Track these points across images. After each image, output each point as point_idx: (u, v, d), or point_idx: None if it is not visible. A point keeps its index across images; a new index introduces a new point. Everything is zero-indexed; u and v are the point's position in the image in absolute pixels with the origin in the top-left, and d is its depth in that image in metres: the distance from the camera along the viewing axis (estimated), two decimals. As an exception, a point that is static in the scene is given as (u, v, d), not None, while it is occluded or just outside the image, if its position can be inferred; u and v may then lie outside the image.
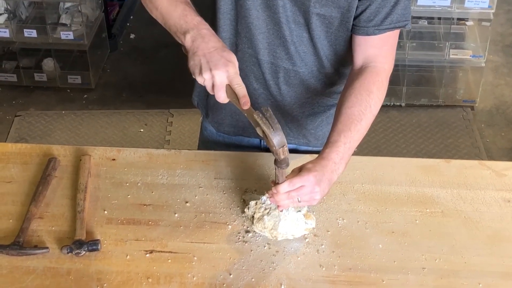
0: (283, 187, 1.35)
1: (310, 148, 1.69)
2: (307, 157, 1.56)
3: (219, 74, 1.32)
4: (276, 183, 1.37)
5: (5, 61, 3.40)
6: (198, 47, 1.34)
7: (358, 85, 1.45)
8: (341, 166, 1.40)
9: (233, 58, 1.35)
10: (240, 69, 1.55)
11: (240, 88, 1.33)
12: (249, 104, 1.33)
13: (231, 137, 1.74)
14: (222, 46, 1.36)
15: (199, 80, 1.34)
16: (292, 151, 1.65)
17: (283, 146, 1.32)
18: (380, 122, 3.20)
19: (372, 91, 1.45)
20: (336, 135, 1.41)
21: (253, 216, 1.42)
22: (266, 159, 1.61)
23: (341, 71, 1.58)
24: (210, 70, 1.32)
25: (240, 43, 1.54)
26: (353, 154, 1.75)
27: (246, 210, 1.42)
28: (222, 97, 1.34)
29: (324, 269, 1.38)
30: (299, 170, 1.37)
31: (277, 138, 1.31)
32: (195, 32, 1.36)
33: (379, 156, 1.68)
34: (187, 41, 1.36)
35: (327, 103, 1.64)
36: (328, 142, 1.41)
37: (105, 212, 1.49)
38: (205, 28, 1.38)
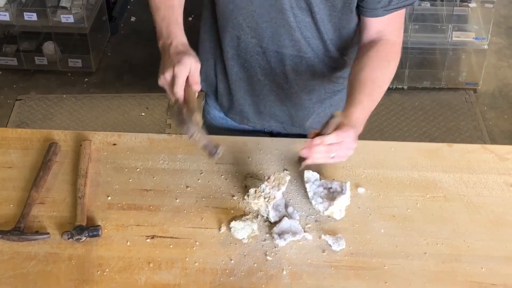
0: (330, 138, 1.33)
1: None
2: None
3: (179, 68, 1.36)
4: (317, 134, 1.35)
5: (6, 45, 3.38)
6: (164, 58, 1.41)
7: (375, 54, 1.47)
8: (362, 125, 1.42)
9: (192, 59, 1.38)
10: (245, 60, 1.55)
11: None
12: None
13: (234, 123, 1.73)
14: (187, 51, 1.41)
15: (159, 80, 1.39)
16: (297, 136, 1.65)
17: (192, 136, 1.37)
18: (383, 105, 3.19)
19: (390, 60, 1.48)
20: (361, 96, 1.42)
21: (252, 203, 1.42)
22: (268, 144, 1.61)
23: (346, 54, 1.57)
24: (173, 66, 1.37)
25: (242, 35, 1.52)
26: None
27: (246, 197, 1.42)
28: (179, 92, 1.38)
29: (325, 254, 1.37)
30: (335, 126, 1.35)
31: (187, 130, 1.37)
32: (167, 43, 1.42)
33: (381, 139, 1.67)
34: (160, 46, 1.43)
35: (334, 89, 1.64)
36: (353, 102, 1.42)
37: (106, 197, 1.48)
38: (178, 42, 1.42)
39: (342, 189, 1.44)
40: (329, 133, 1.34)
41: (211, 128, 1.76)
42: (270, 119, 1.68)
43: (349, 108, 1.41)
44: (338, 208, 1.43)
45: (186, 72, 1.37)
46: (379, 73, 1.46)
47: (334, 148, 1.34)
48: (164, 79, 1.39)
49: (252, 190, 1.42)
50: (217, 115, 1.74)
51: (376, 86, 1.45)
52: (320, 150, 1.34)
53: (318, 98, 1.62)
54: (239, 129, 1.73)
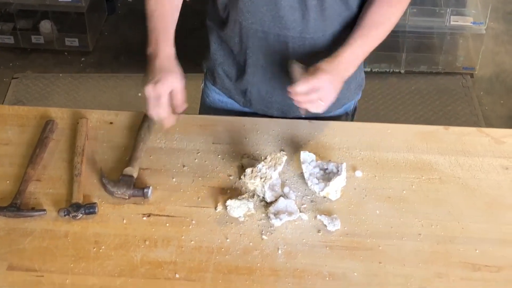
0: (300, 88, 1.35)
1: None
2: (320, 124, 1.55)
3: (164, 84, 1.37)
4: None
5: (2, 23, 3.36)
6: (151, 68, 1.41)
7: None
8: (353, 66, 1.44)
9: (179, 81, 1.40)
10: (247, 47, 1.54)
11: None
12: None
13: (234, 106, 1.72)
14: (171, 68, 1.41)
15: (145, 90, 1.38)
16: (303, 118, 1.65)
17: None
18: (379, 89, 3.19)
19: (392, 4, 1.48)
20: (353, 38, 1.45)
21: (248, 183, 1.42)
22: (265, 125, 1.61)
23: (348, 31, 1.56)
24: (155, 84, 1.37)
25: (243, 20, 1.51)
26: (351, 120, 1.74)
27: (242, 177, 1.42)
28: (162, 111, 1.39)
29: (321, 234, 1.38)
30: (314, 71, 1.38)
31: None
32: (153, 54, 1.42)
33: (378, 122, 1.67)
34: (148, 54, 1.44)
35: None
36: (344, 44, 1.44)
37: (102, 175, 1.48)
38: (164, 56, 1.42)
39: (338, 170, 1.44)
40: (298, 82, 1.37)
41: (210, 111, 1.76)
42: (273, 104, 1.66)
43: (340, 49, 1.43)
44: (334, 189, 1.43)
45: (168, 91, 1.38)
46: (380, 16, 1.46)
47: (313, 97, 1.36)
48: (148, 92, 1.38)
49: (248, 170, 1.43)
50: (216, 98, 1.73)
51: (373, 27, 1.46)
52: (301, 99, 1.37)
53: None
54: (240, 111, 1.73)
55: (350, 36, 1.45)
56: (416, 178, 1.50)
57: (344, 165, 1.44)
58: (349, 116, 1.75)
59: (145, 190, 1.42)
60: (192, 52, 1.72)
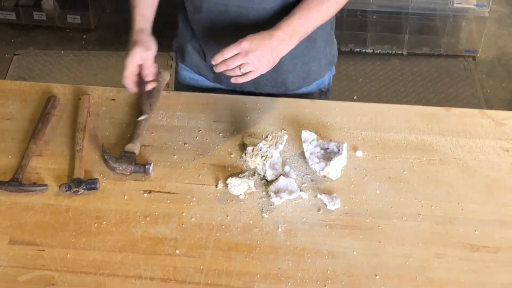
0: (216, 58, 1.38)
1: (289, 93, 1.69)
2: (322, 103, 1.56)
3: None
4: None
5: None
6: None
7: None
8: (293, 39, 1.42)
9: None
10: (211, 21, 1.53)
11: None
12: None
13: (206, 83, 1.71)
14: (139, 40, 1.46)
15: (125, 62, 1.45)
16: (272, 95, 1.65)
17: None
18: (381, 70, 3.18)
19: None
20: (293, 12, 1.43)
21: (249, 161, 1.42)
22: (267, 104, 1.61)
23: None
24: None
25: None
26: (353, 100, 1.74)
27: (243, 155, 1.42)
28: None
29: (321, 212, 1.38)
30: (239, 41, 1.39)
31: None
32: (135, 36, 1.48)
33: (380, 102, 1.67)
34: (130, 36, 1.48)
35: (308, 43, 1.60)
36: (284, 18, 1.43)
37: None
38: (137, 29, 1.48)
39: (339, 150, 1.44)
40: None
41: (182, 88, 1.75)
42: None
43: (278, 22, 1.41)
44: (335, 169, 1.43)
45: (133, 63, 1.44)
46: None
47: (229, 64, 1.37)
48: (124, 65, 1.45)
49: (249, 148, 1.42)
50: (187, 76, 1.72)
51: (317, 3, 1.43)
52: (220, 68, 1.39)
53: (289, 53, 1.57)
54: (212, 88, 1.72)
55: (291, 12, 1.43)
56: (417, 159, 1.50)
57: (345, 145, 1.44)
58: (323, 93, 1.74)
59: (146, 166, 1.43)
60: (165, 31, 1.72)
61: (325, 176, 1.45)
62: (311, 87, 1.70)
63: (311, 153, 1.46)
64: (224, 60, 1.37)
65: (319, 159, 1.45)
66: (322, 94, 1.73)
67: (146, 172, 1.43)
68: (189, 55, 1.67)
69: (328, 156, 1.45)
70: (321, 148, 1.47)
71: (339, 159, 1.42)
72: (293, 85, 1.65)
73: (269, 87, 1.64)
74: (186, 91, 1.68)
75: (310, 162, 1.45)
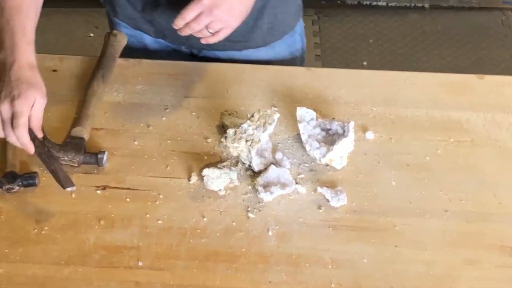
0: (177, 22, 1.36)
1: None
2: (321, 72, 1.56)
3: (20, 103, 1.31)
4: None
5: None
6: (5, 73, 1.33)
7: None
8: None
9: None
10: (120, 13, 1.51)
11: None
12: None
13: (147, 40, 1.72)
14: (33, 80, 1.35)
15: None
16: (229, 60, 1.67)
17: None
18: (397, 28, 3.18)
19: None
20: None
21: (231, 148, 1.43)
22: (251, 73, 1.61)
23: None
24: (12, 99, 1.31)
25: None
26: (362, 67, 1.74)
27: (223, 140, 1.43)
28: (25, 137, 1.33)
29: (322, 211, 1.39)
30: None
31: None
32: (9, 60, 1.34)
33: (394, 70, 1.67)
34: None
35: None
36: None
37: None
38: (23, 63, 1.35)
39: (344, 131, 1.45)
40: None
41: (124, 49, 1.74)
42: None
43: None
44: (339, 155, 1.44)
45: (30, 109, 1.32)
46: None
47: (194, 26, 1.36)
48: (4, 111, 1.31)
49: (231, 131, 1.43)
50: (124, 33, 1.71)
51: None
52: (186, 32, 1.37)
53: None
54: (155, 49, 1.73)
55: None
56: (442, 141, 1.50)
57: (351, 125, 1.45)
58: (296, 59, 1.77)
59: (99, 156, 1.43)
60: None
61: (327, 165, 1.45)
62: (284, 53, 1.72)
63: (309, 136, 1.46)
64: (187, 23, 1.37)
65: (319, 143, 1.45)
66: (296, 61, 1.75)
67: (98, 163, 1.43)
68: (121, 6, 1.67)
69: (330, 139, 1.46)
70: (322, 129, 1.47)
71: (345, 142, 1.43)
72: (257, 37, 1.66)
73: (226, 42, 1.64)
74: (128, 54, 1.67)
75: (308, 147, 1.45)
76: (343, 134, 1.44)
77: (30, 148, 1.35)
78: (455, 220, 1.38)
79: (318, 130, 1.47)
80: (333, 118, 1.51)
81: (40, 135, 1.36)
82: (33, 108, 1.32)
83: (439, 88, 1.60)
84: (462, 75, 1.65)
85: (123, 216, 1.37)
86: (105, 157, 1.43)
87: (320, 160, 1.44)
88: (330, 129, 1.47)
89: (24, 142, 1.33)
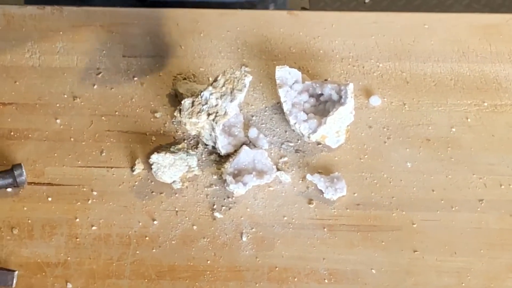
0: None
1: None
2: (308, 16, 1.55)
3: None
4: None
5: None
6: None
7: None
8: None
9: None
10: None
11: None
12: None
13: None
14: None
15: None
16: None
17: None
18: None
19: None
20: None
21: (187, 124, 1.42)
22: (213, 20, 1.61)
23: None
24: None
25: None
26: (363, 9, 1.74)
27: (176, 113, 1.42)
28: None
29: (314, 206, 1.39)
30: None
31: None
32: None
33: (408, 11, 1.67)
34: None
35: None
36: None
37: None
38: None
39: (341, 97, 1.44)
40: None
41: None
42: None
43: None
44: (334, 129, 1.43)
45: None
46: None
47: None
48: None
49: (187, 102, 1.42)
50: None
51: None
52: None
53: None
54: None
55: None
56: (474, 105, 1.51)
57: (350, 88, 1.44)
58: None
59: (16, 171, 1.41)
60: None
61: (319, 144, 1.45)
62: None
63: (293, 105, 1.45)
64: None
65: (307, 114, 1.45)
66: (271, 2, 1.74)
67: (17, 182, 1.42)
68: None
69: (322, 108, 1.45)
70: (310, 96, 1.47)
71: (341, 112, 1.42)
72: None
73: None
74: (42, 2, 1.65)
75: (292, 120, 1.44)
76: (339, 101, 1.43)
77: None
78: (494, 212, 1.39)
79: (305, 97, 1.46)
80: (326, 79, 1.51)
81: None
82: None
83: (467, 34, 1.60)
84: (499, 15, 1.65)
85: (44, 222, 1.37)
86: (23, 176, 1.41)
87: (309, 137, 1.44)
88: (322, 94, 1.46)
89: None
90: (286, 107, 1.45)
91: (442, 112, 1.50)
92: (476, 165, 1.44)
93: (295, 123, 1.44)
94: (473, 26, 1.62)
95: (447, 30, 1.61)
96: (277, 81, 1.46)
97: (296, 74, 1.47)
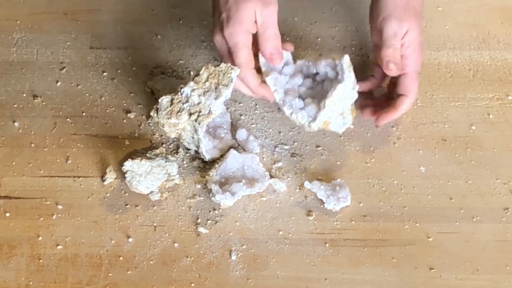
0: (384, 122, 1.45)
1: None
2: None
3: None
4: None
5: None
6: None
7: None
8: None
9: None
10: None
11: None
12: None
13: None
14: None
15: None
16: None
17: None
18: None
19: None
20: None
21: (166, 125, 1.42)
22: (191, 2, 1.62)
23: None
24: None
25: None
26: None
27: (153, 113, 1.42)
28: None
29: (313, 218, 1.39)
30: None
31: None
32: None
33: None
34: None
35: None
36: None
37: None
38: None
39: (339, 73, 1.43)
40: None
41: None
42: None
43: None
44: (337, 111, 1.41)
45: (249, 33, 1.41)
46: None
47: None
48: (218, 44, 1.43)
49: (165, 100, 1.42)
50: None
51: None
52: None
53: None
54: None
55: None
56: (496, 100, 1.51)
57: (346, 60, 1.42)
58: None
59: None
60: None
61: (318, 146, 1.45)
62: None
63: (286, 92, 1.45)
64: None
65: (303, 99, 1.44)
66: None
67: None
68: None
69: (320, 89, 1.44)
70: (306, 76, 1.45)
71: (341, 90, 1.40)
72: None
73: None
74: None
75: (287, 110, 1.44)
76: (336, 79, 1.42)
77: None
78: (521, 223, 1.39)
79: (299, 79, 1.46)
80: (320, 55, 1.50)
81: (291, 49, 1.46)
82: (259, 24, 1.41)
83: (488, 17, 1.60)
84: (523, -5, 1.65)
85: (2, 241, 1.37)
86: None
87: (309, 126, 1.42)
88: (317, 73, 1.46)
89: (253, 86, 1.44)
90: (278, 96, 1.44)
91: (460, 108, 1.50)
92: (500, 168, 1.44)
93: (291, 113, 1.43)
94: (494, 8, 1.62)
95: (464, 12, 1.62)
96: (263, 69, 1.45)
97: (286, 55, 1.46)
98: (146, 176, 1.40)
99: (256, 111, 1.50)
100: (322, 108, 1.41)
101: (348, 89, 1.41)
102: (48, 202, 1.40)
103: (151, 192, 1.40)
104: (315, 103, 1.42)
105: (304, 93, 1.45)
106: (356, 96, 1.43)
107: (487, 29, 1.59)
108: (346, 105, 1.42)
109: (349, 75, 1.41)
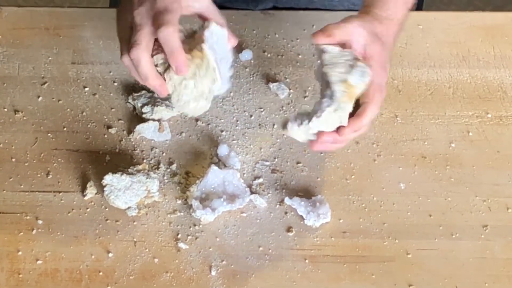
0: (348, 134, 1.33)
1: None
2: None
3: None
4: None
5: None
6: None
7: None
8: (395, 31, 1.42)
9: None
10: None
11: None
12: None
13: None
14: None
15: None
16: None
17: None
18: None
19: None
20: None
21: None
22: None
23: None
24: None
25: None
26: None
27: (136, 130, 1.41)
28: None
29: (293, 234, 1.39)
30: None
31: None
32: None
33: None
34: None
35: None
36: None
37: None
38: None
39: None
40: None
41: None
42: None
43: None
44: (328, 120, 1.36)
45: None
46: None
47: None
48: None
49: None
50: None
51: None
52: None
53: None
54: None
55: None
56: (476, 117, 1.51)
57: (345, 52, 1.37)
58: None
59: None
60: None
61: (299, 163, 1.45)
62: None
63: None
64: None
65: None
66: None
67: None
68: None
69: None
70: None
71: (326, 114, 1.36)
72: None
73: None
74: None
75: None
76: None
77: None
78: (500, 240, 1.39)
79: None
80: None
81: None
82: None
83: (468, 35, 1.61)
84: (503, 13, 1.66)
85: (-19, 256, 1.36)
86: None
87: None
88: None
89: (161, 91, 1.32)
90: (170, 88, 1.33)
91: (439, 125, 1.51)
92: (479, 186, 1.44)
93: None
94: (474, 26, 1.62)
95: (444, 30, 1.62)
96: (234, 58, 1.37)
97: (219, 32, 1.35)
98: (125, 191, 1.39)
99: (237, 127, 1.49)
100: (318, 114, 1.34)
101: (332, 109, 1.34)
102: (28, 217, 1.40)
103: (129, 207, 1.40)
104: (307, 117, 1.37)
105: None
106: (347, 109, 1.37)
107: (467, 47, 1.59)
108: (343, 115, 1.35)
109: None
